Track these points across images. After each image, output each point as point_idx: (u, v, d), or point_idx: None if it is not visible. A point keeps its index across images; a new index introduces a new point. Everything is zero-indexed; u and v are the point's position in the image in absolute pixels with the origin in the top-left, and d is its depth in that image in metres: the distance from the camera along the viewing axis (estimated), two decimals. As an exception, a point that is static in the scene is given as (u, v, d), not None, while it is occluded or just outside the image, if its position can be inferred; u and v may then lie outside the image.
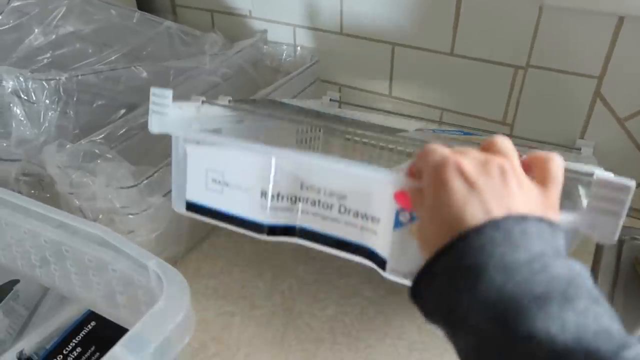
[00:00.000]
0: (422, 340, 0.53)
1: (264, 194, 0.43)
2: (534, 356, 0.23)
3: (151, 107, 0.47)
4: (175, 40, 0.76)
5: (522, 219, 0.27)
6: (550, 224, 0.28)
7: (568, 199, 0.40)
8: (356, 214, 0.40)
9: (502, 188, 0.29)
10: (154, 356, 0.36)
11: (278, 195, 0.42)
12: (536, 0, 0.61)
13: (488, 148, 0.32)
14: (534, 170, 0.32)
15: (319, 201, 0.41)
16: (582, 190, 0.38)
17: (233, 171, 0.43)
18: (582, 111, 0.65)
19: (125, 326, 0.48)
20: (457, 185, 0.29)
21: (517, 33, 0.64)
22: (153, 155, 0.64)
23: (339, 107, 0.79)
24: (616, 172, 0.58)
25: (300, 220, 0.43)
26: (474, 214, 0.27)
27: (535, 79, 0.66)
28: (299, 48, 0.83)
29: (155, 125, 0.47)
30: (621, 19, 0.58)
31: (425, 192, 0.31)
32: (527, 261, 0.25)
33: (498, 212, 0.27)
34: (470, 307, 0.25)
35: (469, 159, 0.30)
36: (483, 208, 0.28)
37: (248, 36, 0.85)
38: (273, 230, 0.43)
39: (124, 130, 0.61)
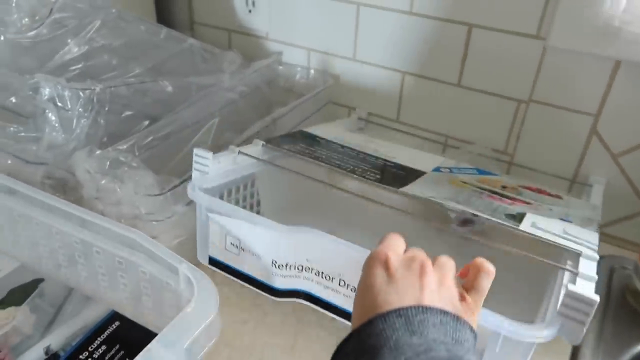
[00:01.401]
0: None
1: (273, 262, 0.49)
2: None
3: (194, 166, 0.54)
4: (196, 57, 0.79)
5: (426, 309, 0.31)
6: (456, 318, 0.31)
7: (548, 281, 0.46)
8: (354, 289, 0.46)
9: (418, 282, 0.33)
10: (186, 354, 0.39)
11: (286, 265, 0.49)
12: (540, 42, 0.66)
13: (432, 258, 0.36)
14: (469, 275, 0.37)
15: (322, 272, 0.48)
16: (565, 278, 0.43)
17: (247, 240, 0.50)
18: (578, 146, 0.70)
19: (149, 327, 0.51)
20: (379, 274, 0.34)
21: (521, 69, 0.69)
22: (173, 165, 0.68)
23: (365, 125, 0.84)
24: (608, 205, 0.63)
25: (305, 286, 0.49)
26: (388, 302, 0.31)
27: (536, 113, 0.71)
28: (312, 71, 0.87)
29: (198, 181, 0.54)
30: (618, 63, 0.63)
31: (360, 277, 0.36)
32: (416, 344, 0.28)
33: (409, 302, 0.31)
34: None
35: (396, 254, 0.35)
36: (397, 298, 0.32)
37: (263, 56, 0.89)
38: (282, 292, 0.51)
39: (147, 140, 0.63)
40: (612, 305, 0.63)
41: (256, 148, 0.60)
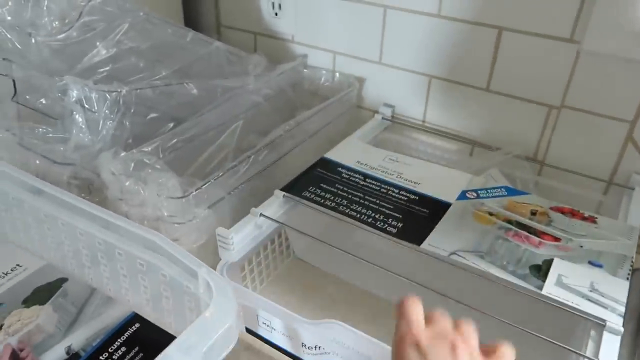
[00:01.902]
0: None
1: (303, 344, 0.50)
2: None
3: (219, 244, 0.56)
4: (222, 60, 0.79)
5: None
6: None
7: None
8: None
9: None
10: (204, 359, 0.38)
11: (315, 346, 0.50)
12: (574, 45, 0.64)
13: (455, 326, 0.37)
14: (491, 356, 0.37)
15: (351, 355, 0.48)
16: (592, 333, 0.44)
17: (277, 323, 0.52)
18: (613, 153, 0.67)
19: (168, 330, 0.51)
20: (412, 356, 0.35)
21: (553, 74, 0.67)
22: (196, 167, 0.68)
23: (391, 123, 0.84)
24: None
25: None
26: None
27: (568, 119, 0.69)
28: (337, 74, 0.86)
29: (225, 258, 0.56)
30: (656, 68, 0.60)
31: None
32: None
33: None
34: None
35: (423, 331, 0.36)
36: None
37: (288, 59, 0.89)
38: None
39: (172, 142, 0.64)
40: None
41: (277, 201, 0.61)
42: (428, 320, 0.38)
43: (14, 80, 0.65)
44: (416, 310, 0.38)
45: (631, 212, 0.61)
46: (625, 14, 0.58)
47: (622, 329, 0.45)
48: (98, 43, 0.63)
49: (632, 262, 0.52)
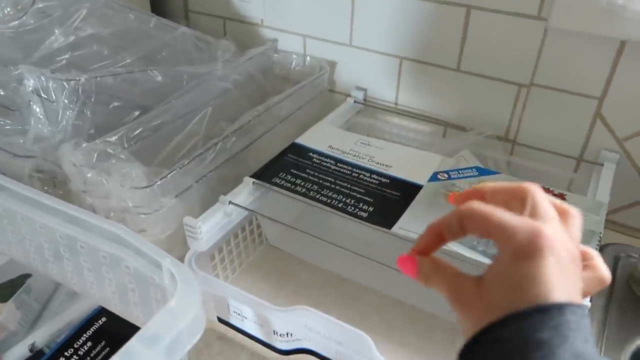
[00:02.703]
0: (421, 346, 0.55)
1: (275, 332, 0.50)
2: None
3: (187, 233, 0.54)
4: (189, 46, 0.78)
5: (585, 311, 0.27)
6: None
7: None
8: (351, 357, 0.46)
9: (575, 274, 0.29)
10: (167, 351, 0.37)
11: (287, 333, 0.49)
12: (542, 23, 0.63)
13: (561, 212, 0.31)
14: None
15: (322, 340, 0.48)
16: None
17: (248, 312, 0.51)
18: (583, 130, 0.67)
19: (136, 323, 0.50)
20: (550, 262, 0.27)
21: (521, 53, 0.66)
22: (164, 157, 0.66)
23: (364, 107, 0.83)
24: (614, 191, 0.61)
25: (309, 345, 0.50)
26: (560, 292, 0.26)
27: (538, 97, 0.68)
28: (308, 58, 0.85)
29: (193, 248, 0.55)
30: (623, 44, 0.60)
31: (503, 256, 0.28)
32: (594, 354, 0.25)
33: (576, 298, 0.27)
34: None
35: (559, 239, 0.28)
36: (566, 290, 0.27)
37: (259, 44, 0.87)
38: (286, 352, 0.52)
39: (137, 131, 0.62)
40: (616, 294, 0.61)
41: (247, 188, 0.60)
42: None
43: (-32, 71, 0.62)
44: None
45: (600, 188, 0.61)
46: (592, -11, 0.57)
47: (589, 304, 0.45)
48: (56, 30, 0.61)
49: (599, 237, 0.52)
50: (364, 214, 0.56)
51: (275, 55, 0.87)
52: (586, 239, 0.52)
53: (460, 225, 0.31)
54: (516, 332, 0.26)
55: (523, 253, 0.27)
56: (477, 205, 0.30)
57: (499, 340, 0.26)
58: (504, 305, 0.27)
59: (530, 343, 0.25)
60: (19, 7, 0.59)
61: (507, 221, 0.28)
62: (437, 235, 0.33)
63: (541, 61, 0.66)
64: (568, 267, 0.28)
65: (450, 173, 0.63)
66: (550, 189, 0.60)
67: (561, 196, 0.59)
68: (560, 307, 0.26)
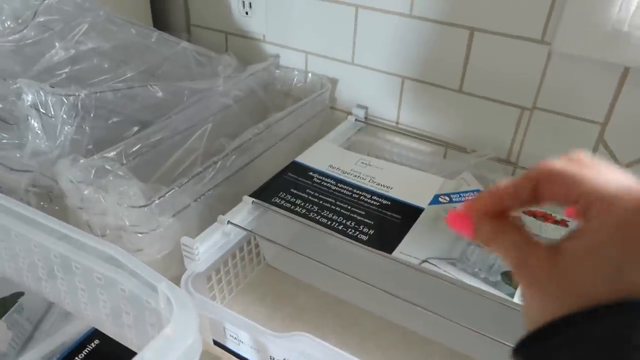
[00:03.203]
0: (420, 375, 0.54)
1: (272, 358, 0.49)
2: None
3: (184, 254, 0.54)
4: (190, 61, 0.77)
5: None
6: None
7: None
8: None
9: None
10: (162, 380, 0.36)
11: (284, 359, 0.49)
12: (545, 47, 0.63)
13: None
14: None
15: None
16: None
17: (245, 336, 0.50)
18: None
19: (130, 346, 0.49)
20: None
21: (524, 76, 0.66)
22: (163, 173, 0.65)
23: (365, 125, 0.82)
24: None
25: None
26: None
27: (540, 121, 0.68)
28: (310, 74, 0.84)
29: (190, 269, 0.54)
30: (627, 70, 0.60)
31: (599, 228, 0.22)
32: None
33: None
34: None
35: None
36: None
37: (260, 59, 0.87)
38: None
39: (136, 147, 0.61)
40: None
41: (246, 207, 0.59)
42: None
43: (-34, 84, 0.61)
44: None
45: (603, 214, 0.60)
46: (596, 14, 0.57)
47: None
48: (56, 43, 0.60)
49: None
50: (364, 237, 0.55)
51: (276, 71, 0.86)
52: None
53: (533, 191, 0.25)
54: (609, 330, 0.19)
55: (631, 227, 0.21)
56: (559, 165, 0.25)
57: (582, 338, 0.20)
58: (592, 293, 0.20)
59: (626, 347, 0.19)
60: (20, 21, 0.59)
61: (604, 184, 0.23)
62: (499, 204, 0.27)
63: (544, 85, 0.65)
64: None
65: (452, 196, 0.62)
66: (553, 215, 0.59)
67: (563, 223, 0.58)
68: None
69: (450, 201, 0.61)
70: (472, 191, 0.63)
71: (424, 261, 0.52)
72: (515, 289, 0.49)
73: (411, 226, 0.57)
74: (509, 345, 0.42)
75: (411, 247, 0.53)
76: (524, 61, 0.65)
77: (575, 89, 0.64)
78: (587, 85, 0.63)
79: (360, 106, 0.82)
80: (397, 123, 0.80)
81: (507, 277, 0.50)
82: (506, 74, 0.67)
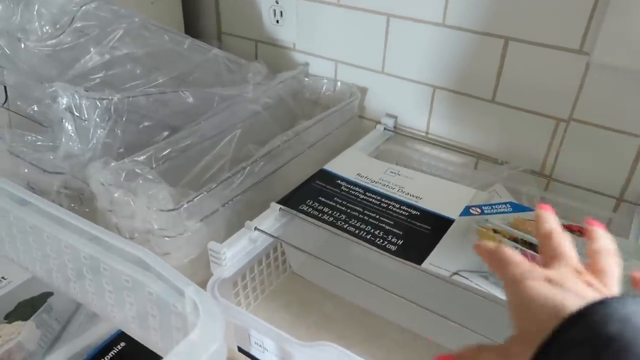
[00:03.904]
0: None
1: None
2: None
3: (211, 259, 0.53)
4: (221, 67, 0.78)
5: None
6: None
7: None
8: None
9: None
10: (187, 386, 0.36)
11: None
12: (584, 57, 0.61)
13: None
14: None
15: None
16: None
17: (270, 344, 0.49)
18: (623, 169, 0.65)
19: (155, 350, 0.48)
20: (545, 289, 0.30)
21: (561, 86, 0.64)
22: (191, 178, 0.66)
23: (394, 134, 0.81)
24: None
25: None
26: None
27: (577, 133, 0.66)
28: (339, 83, 0.84)
29: (217, 274, 0.53)
30: (670, 81, 0.58)
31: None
32: None
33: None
34: None
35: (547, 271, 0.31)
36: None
37: (290, 67, 0.87)
38: None
39: (166, 151, 0.62)
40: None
41: (273, 214, 0.59)
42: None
43: (5, 87, 0.63)
44: (515, 254, 0.34)
45: (643, 231, 0.58)
46: (637, 25, 0.55)
47: None
48: (92, 49, 0.62)
49: None
50: (393, 247, 0.54)
51: (305, 79, 0.86)
52: (630, 285, 0.49)
53: None
54: (581, 336, 0.24)
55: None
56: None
57: (567, 348, 0.24)
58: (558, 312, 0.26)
59: (597, 346, 0.23)
60: (58, 26, 0.60)
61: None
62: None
63: (582, 96, 0.64)
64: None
65: (483, 208, 0.60)
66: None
67: (601, 238, 0.56)
68: (619, 299, 0.24)
69: (482, 213, 0.59)
70: (504, 203, 0.61)
71: (454, 273, 0.50)
72: None
73: (441, 237, 0.55)
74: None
75: (441, 259, 0.52)
76: (561, 72, 0.64)
77: (614, 100, 0.62)
78: (627, 97, 0.61)
79: (389, 115, 0.82)
80: (427, 133, 0.79)
81: None
82: (541, 84, 0.66)
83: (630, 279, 0.33)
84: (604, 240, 0.34)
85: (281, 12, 0.85)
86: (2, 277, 0.56)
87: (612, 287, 0.31)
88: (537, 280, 0.29)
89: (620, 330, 0.23)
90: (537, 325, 0.27)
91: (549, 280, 0.29)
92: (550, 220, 0.36)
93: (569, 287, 0.28)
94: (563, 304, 0.26)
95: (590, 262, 0.33)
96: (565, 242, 0.34)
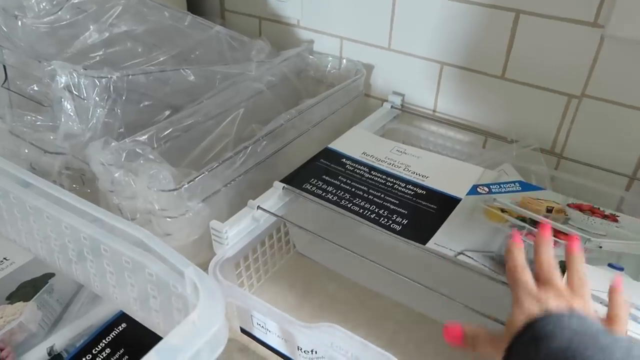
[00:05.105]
0: (454, 373, 0.52)
1: (299, 348, 0.47)
2: None
3: (213, 238, 0.53)
4: (223, 45, 0.76)
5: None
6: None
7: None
8: None
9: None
10: (187, 367, 0.36)
11: (312, 350, 0.46)
12: (598, 30, 0.59)
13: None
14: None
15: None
16: None
17: (272, 325, 0.48)
18: (637, 146, 0.63)
19: (156, 331, 0.48)
20: (532, 307, 0.38)
21: (574, 61, 0.62)
22: (194, 158, 0.65)
23: (400, 112, 0.80)
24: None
25: None
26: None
27: (589, 109, 0.64)
28: (344, 60, 0.82)
29: (219, 254, 0.53)
30: (688, 55, 0.55)
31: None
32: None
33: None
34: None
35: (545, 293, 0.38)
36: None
37: (294, 44, 0.85)
38: None
39: (167, 131, 0.61)
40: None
41: (276, 193, 0.58)
42: (540, 279, 0.39)
43: (4, 66, 0.62)
44: (525, 270, 0.40)
45: (656, 210, 0.56)
46: (655, -5, 0.53)
47: None
48: (90, 26, 0.60)
49: None
50: (398, 227, 0.53)
51: (310, 57, 0.84)
52: (637, 271, 0.48)
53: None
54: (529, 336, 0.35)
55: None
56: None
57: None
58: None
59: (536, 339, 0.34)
60: (55, 2, 0.59)
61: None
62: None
63: (595, 71, 0.61)
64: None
65: (491, 187, 0.59)
66: (600, 209, 0.56)
67: (612, 218, 0.54)
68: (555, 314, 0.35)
69: (490, 192, 0.58)
70: (513, 182, 0.60)
71: (459, 253, 0.49)
72: None
73: (447, 217, 0.54)
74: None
75: (446, 239, 0.51)
76: (574, 46, 0.61)
77: (629, 75, 0.60)
78: (643, 71, 0.59)
79: (396, 93, 0.80)
80: (434, 111, 0.77)
81: None
82: (553, 59, 0.63)
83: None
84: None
85: (285, -12, 0.83)
86: (4, 258, 0.56)
87: (589, 304, 0.38)
88: (530, 298, 0.38)
89: (552, 332, 0.34)
90: (515, 328, 0.36)
91: (538, 300, 0.37)
92: (517, 255, 0.41)
93: (546, 304, 0.37)
94: (531, 316, 0.36)
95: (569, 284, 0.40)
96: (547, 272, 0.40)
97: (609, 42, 0.59)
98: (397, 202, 0.56)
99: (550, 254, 0.41)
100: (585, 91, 0.63)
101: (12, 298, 0.51)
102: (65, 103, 0.55)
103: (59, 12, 0.58)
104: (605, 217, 0.55)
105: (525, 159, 0.67)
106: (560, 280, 0.39)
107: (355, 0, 0.76)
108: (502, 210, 0.55)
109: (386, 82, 0.81)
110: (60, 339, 0.47)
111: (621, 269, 0.48)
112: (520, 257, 0.41)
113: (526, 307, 0.37)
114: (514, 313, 0.38)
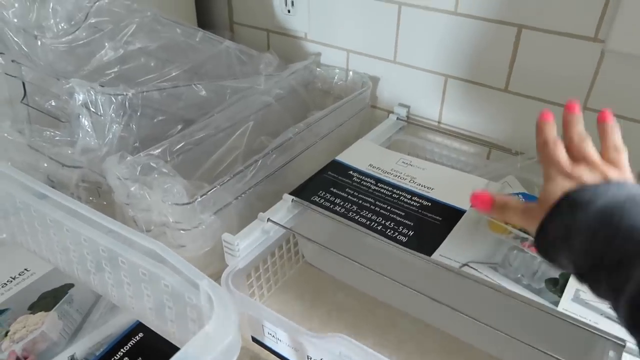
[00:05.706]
0: (459, 380, 0.53)
1: (309, 357, 0.49)
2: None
3: (225, 250, 0.55)
4: (232, 59, 0.78)
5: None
6: None
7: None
8: None
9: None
10: (202, 376, 0.37)
11: (321, 359, 0.48)
12: (599, 45, 0.60)
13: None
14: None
15: None
16: (611, 354, 0.43)
17: (282, 335, 0.50)
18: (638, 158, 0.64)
19: (171, 340, 0.50)
20: (563, 184, 0.38)
21: (575, 75, 0.64)
22: (205, 170, 0.67)
23: (406, 124, 0.81)
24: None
25: None
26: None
27: (591, 123, 0.65)
28: (351, 73, 0.84)
29: (231, 264, 0.55)
30: (687, 69, 0.57)
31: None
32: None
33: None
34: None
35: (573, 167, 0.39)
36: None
37: (302, 57, 0.87)
38: None
39: (180, 145, 0.63)
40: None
41: (286, 205, 0.59)
42: (572, 154, 0.39)
43: (23, 83, 0.64)
44: (557, 145, 0.40)
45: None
46: (654, 11, 0.54)
47: None
48: (106, 44, 0.62)
49: None
50: (404, 239, 0.54)
51: (317, 69, 0.86)
52: None
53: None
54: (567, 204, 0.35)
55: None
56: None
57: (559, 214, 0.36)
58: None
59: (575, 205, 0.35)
60: (73, 22, 0.61)
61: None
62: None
63: (596, 85, 0.63)
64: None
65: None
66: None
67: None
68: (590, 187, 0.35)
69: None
70: (516, 194, 0.61)
71: (464, 265, 0.51)
72: (560, 296, 0.47)
73: (452, 228, 0.56)
74: (550, 355, 0.40)
75: (451, 250, 0.53)
76: (575, 60, 0.63)
77: (629, 89, 0.61)
78: (643, 85, 0.60)
79: (401, 105, 0.81)
80: (439, 122, 0.79)
81: (551, 284, 0.49)
82: (555, 73, 0.65)
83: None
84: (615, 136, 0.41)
85: (292, 2, 0.85)
86: (26, 269, 0.58)
87: (626, 173, 0.38)
88: (563, 175, 0.37)
89: (591, 199, 0.33)
90: (551, 201, 0.36)
91: (571, 175, 0.37)
92: (547, 131, 0.41)
93: (579, 180, 0.36)
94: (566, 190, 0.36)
95: (604, 155, 0.39)
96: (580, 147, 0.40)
97: (609, 56, 0.60)
98: (403, 213, 0.58)
99: (580, 127, 0.40)
100: (587, 104, 0.65)
101: (33, 308, 0.53)
102: (83, 119, 0.58)
103: (76, 32, 0.61)
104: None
105: (529, 170, 0.68)
106: (594, 152, 0.39)
107: (362, 13, 0.78)
108: (506, 222, 0.56)
109: (392, 94, 0.82)
110: (81, 348, 0.49)
111: None
112: (550, 132, 0.40)
113: (559, 182, 0.37)
114: (546, 189, 0.37)
